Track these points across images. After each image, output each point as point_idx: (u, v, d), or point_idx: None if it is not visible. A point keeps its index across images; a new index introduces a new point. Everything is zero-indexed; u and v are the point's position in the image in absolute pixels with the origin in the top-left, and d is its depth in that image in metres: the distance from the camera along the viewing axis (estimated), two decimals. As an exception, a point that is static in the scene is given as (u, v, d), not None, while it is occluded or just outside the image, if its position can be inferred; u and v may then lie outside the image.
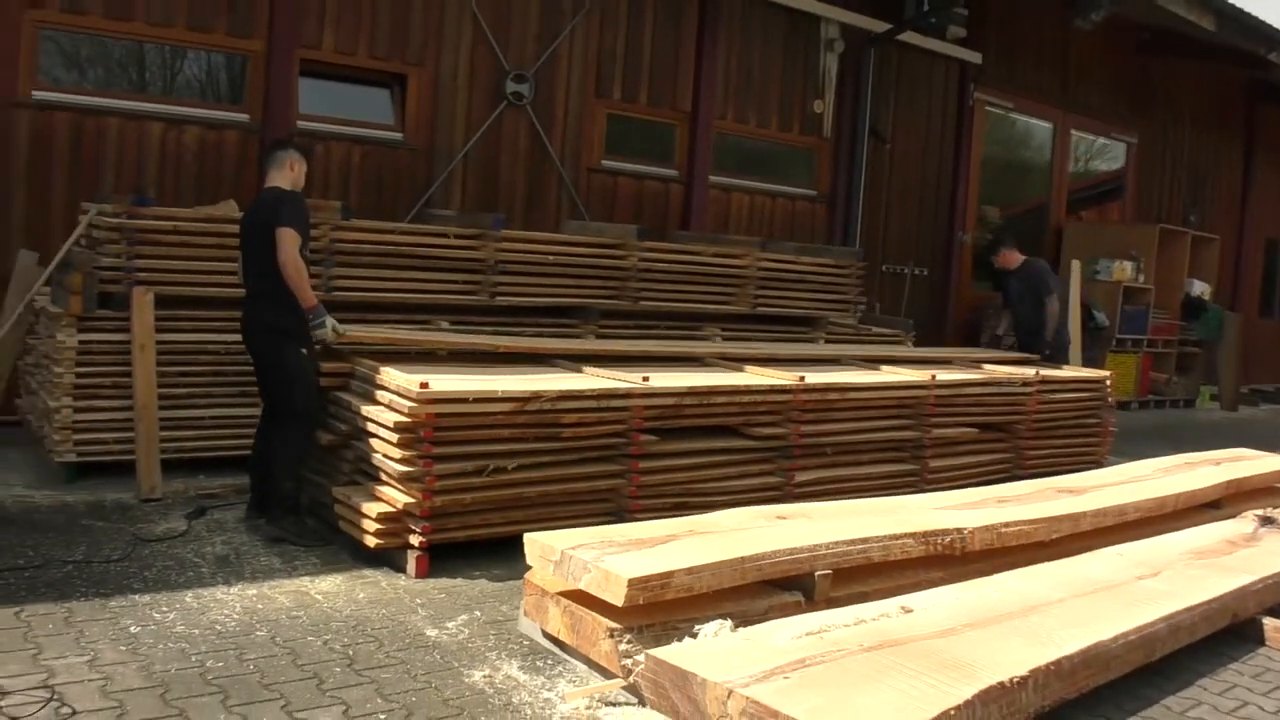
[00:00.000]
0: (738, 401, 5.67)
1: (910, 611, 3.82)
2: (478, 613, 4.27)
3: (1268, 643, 4.88)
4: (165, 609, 4.05)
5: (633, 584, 3.41)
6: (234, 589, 4.34)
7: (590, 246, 7.48)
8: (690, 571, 3.58)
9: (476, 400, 4.65)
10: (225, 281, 5.90)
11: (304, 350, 5.00)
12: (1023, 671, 3.37)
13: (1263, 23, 13.43)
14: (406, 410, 4.52)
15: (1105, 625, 3.93)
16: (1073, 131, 14.67)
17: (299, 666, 3.62)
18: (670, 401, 5.36)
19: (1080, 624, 3.92)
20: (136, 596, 4.15)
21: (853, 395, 6.24)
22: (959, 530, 4.56)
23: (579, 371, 5.57)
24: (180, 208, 6.33)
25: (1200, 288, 14.81)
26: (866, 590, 4.20)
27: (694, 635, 3.46)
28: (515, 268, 7.07)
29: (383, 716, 3.29)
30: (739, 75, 10.60)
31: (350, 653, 3.76)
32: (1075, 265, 12.72)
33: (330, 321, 4.99)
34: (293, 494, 5.04)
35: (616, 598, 3.42)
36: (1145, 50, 14.92)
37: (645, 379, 5.26)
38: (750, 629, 3.50)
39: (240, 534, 5.07)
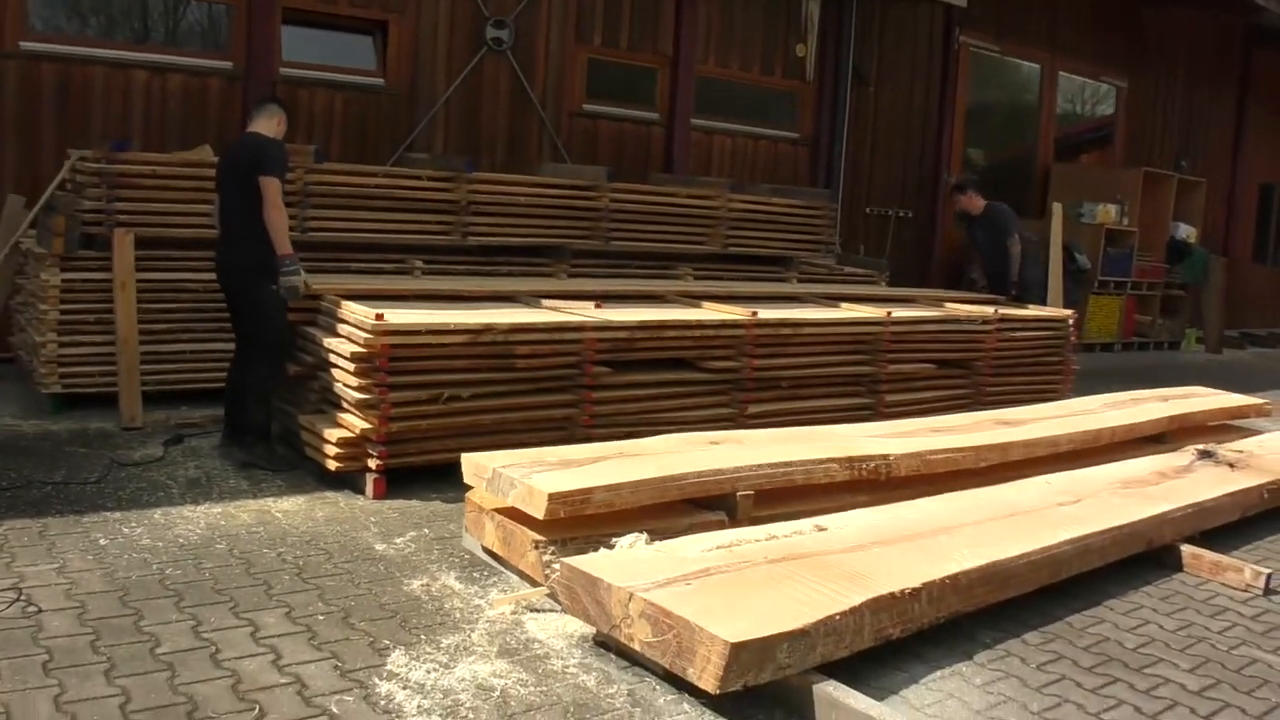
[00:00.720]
0: (691, 335, 5.93)
1: (824, 530, 4.10)
2: (426, 530, 4.57)
3: (1185, 569, 5.11)
4: (134, 525, 4.37)
5: (553, 498, 3.69)
6: (200, 508, 4.65)
7: (562, 188, 7.72)
8: (610, 488, 3.86)
9: (430, 332, 4.92)
10: (202, 223, 6.16)
11: (274, 287, 5.17)
12: (916, 584, 3.64)
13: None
14: (363, 341, 4.80)
15: (1010, 545, 4.19)
16: (1061, 74, 14.72)
17: (251, 575, 3.93)
18: (623, 334, 5.62)
19: (986, 544, 4.17)
20: (108, 514, 4.47)
21: (806, 331, 6.48)
22: (884, 456, 4.83)
23: (538, 307, 5.83)
24: (159, 153, 6.56)
25: (1185, 231, 14.93)
26: (790, 512, 4.46)
27: (611, 547, 3.75)
28: (487, 209, 7.32)
29: (321, 618, 3.60)
30: (721, 20, 10.74)
31: (300, 563, 4.07)
32: (1056, 208, 12.87)
33: (301, 272, 5.20)
34: (263, 423, 5.31)
35: (538, 511, 3.71)
36: (1141, -7, 14.95)
37: (599, 305, 5.50)
38: (664, 542, 3.79)
39: (213, 460, 5.38)
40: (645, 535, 3.79)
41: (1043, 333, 8.36)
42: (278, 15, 8.11)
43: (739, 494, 4.26)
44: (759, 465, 4.39)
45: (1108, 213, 13.62)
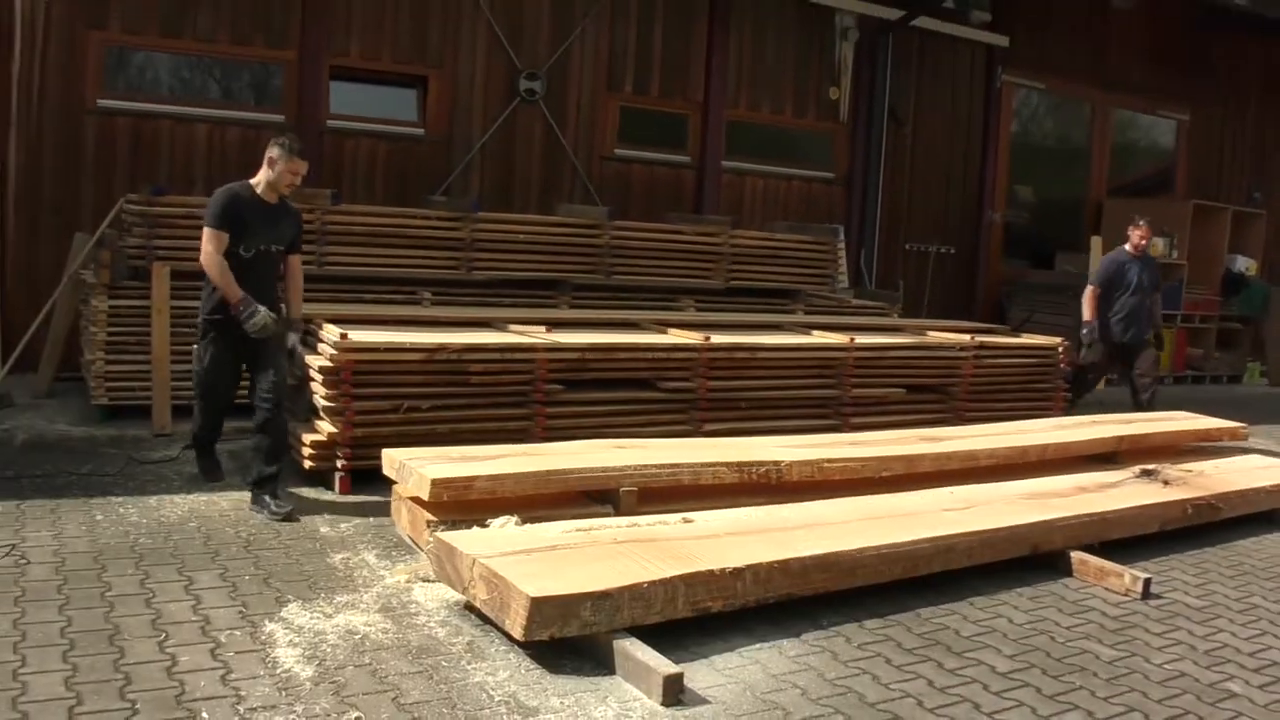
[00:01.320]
0: (643, 358, 6.60)
1: (690, 522, 4.73)
2: (370, 519, 5.36)
3: (1074, 574, 5.52)
4: (130, 507, 5.28)
5: (435, 483, 4.44)
6: (190, 496, 5.55)
7: (564, 226, 8.50)
8: (492, 478, 4.58)
9: (389, 350, 5.72)
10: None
11: (196, 345, 5.52)
12: (739, 564, 4.24)
13: (1303, -3, 13.47)
14: (330, 357, 5.63)
15: (861, 539, 4.74)
16: (1116, 110, 14.94)
17: (207, 546, 4.78)
18: (574, 356, 6.34)
19: (845, 539, 4.72)
20: (112, 498, 5.40)
21: (763, 355, 7.09)
22: (775, 462, 5.43)
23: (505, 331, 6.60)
24: (193, 196, 7.58)
25: (1244, 263, 14.92)
26: (680, 508, 5.10)
27: (485, 527, 4.47)
28: (491, 245, 8.14)
29: (247, 578, 4.42)
30: (752, 66, 11.43)
31: (250, 539, 4.91)
32: (1095, 241, 13.11)
33: (262, 310, 5.22)
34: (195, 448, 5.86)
35: (425, 494, 4.45)
36: (1202, 27, 15.04)
37: (549, 330, 6.24)
38: (535, 525, 4.49)
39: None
40: (516, 518, 4.50)
41: (1028, 360, 8.75)
42: (325, 72, 9.14)
43: (622, 490, 4.93)
44: (646, 465, 5.05)
45: (1155, 246, 13.74)
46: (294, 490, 5.80)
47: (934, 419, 8.11)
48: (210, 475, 5.79)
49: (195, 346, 5.48)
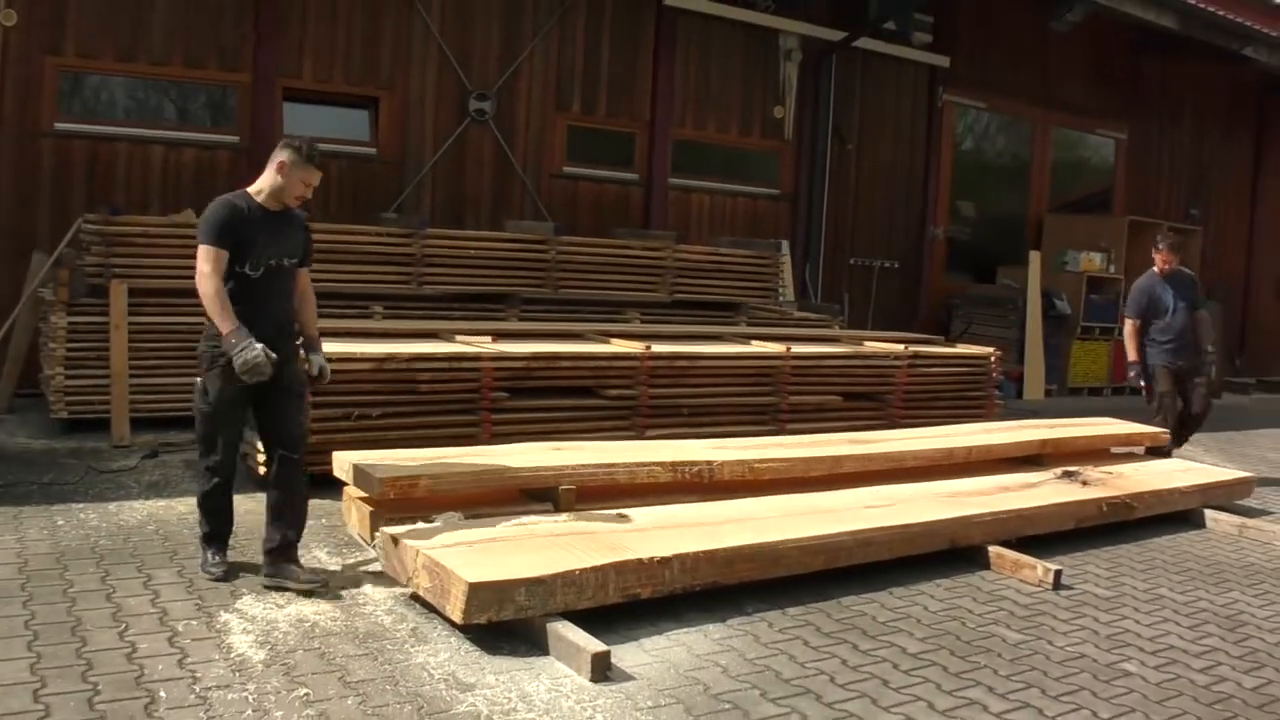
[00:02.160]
0: (585, 366, 6.91)
1: (625, 518, 5.03)
2: (324, 519, 5.61)
3: (991, 566, 5.86)
4: (90, 512, 5.50)
5: (383, 482, 4.71)
6: (149, 502, 5.78)
7: (512, 241, 8.80)
8: (435, 476, 4.86)
9: (339, 359, 5.96)
10: (186, 275, 7.34)
11: (199, 379, 4.66)
12: (666, 554, 4.54)
13: (1229, 20, 14.03)
14: (282, 368, 5.88)
15: (784, 532, 5.04)
16: (1057, 128, 15.45)
17: (165, 546, 5.02)
18: (519, 364, 6.63)
19: (769, 532, 5.03)
20: (73, 504, 5.62)
21: (703, 364, 7.41)
22: (708, 463, 5.74)
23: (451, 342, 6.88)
24: (148, 215, 7.81)
25: (1180, 278, 15.39)
26: (616, 506, 5.39)
27: (430, 523, 4.74)
28: (442, 261, 8.42)
29: (200, 575, 4.65)
30: (698, 86, 11.79)
31: (206, 539, 5.14)
32: (1034, 256, 13.56)
33: (259, 347, 4.38)
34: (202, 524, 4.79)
35: (372, 492, 4.72)
36: (1139, 49, 15.60)
37: (494, 340, 6.52)
38: (477, 520, 4.76)
39: (174, 468, 6.52)
40: (459, 514, 4.77)
41: (961, 369, 9.13)
42: (279, 93, 9.39)
43: (561, 488, 5.22)
44: (583, 465, 5.35)
45: (1091, 261, 14.26)
46: (251, 495, 6.02)
47: (870, 425, 8.45)
48: (228, 576, 4.67)
49: (198, 380, 4.64)
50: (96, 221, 7.23)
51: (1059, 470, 7.17)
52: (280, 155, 4.57)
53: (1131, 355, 8.56)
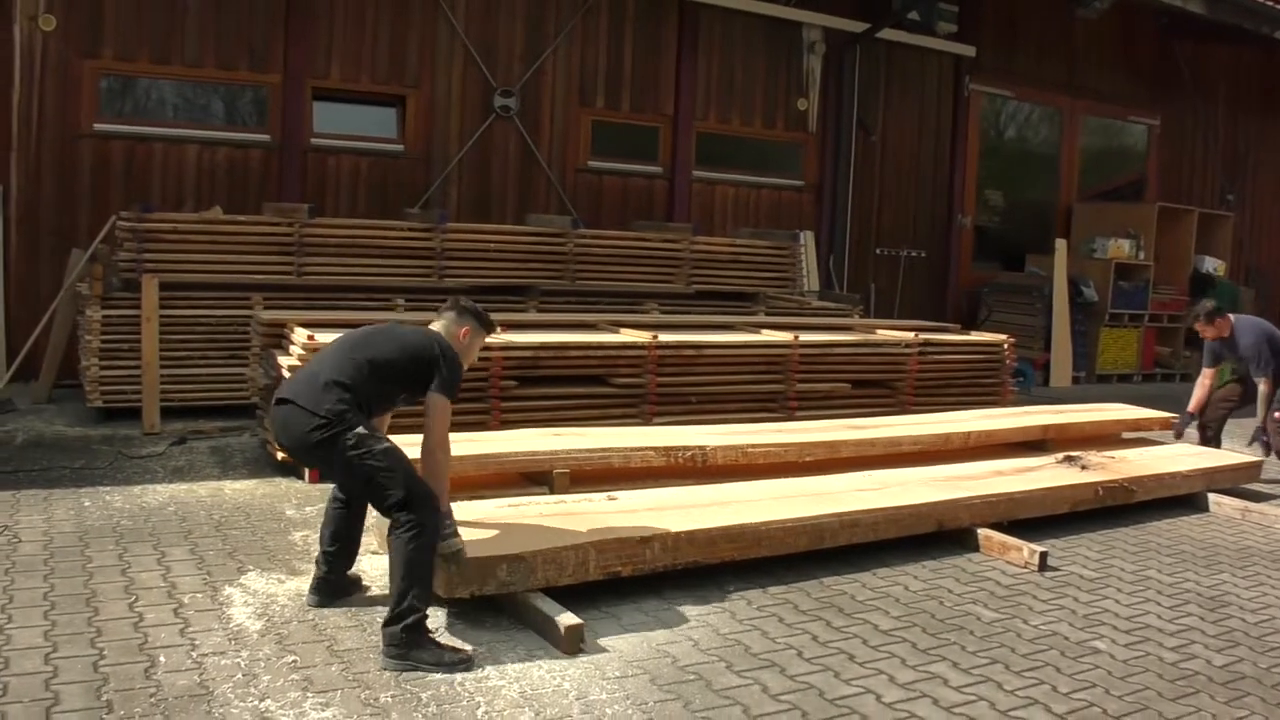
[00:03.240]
0: (593, 355, 7.14)
1: (614, 499, 5.26)
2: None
3: (980, 549, 6.00)
4: (116, 495, 5.84)
5: (380, 466, 4.96)
6: (172, 485, 6.11)
7: (530, 235, 9.06)
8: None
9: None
10: (214, 269, 7.72)
11: (361, 437, 4.02)
12: (648, 534, 4.76)
13: (1258, 3, 13.93)
14: (298, 356, 6.19)
15: (768, 513, 5.24)
16: (1086, 116, 15.43)
17: (182, 526, 5.34)
18: (528, 354, 6.88)
19: (755, 515, 5.20)
20: (100, 487, 5.96)
21: (710, 353, 7.61)
22: (700, 447, 5.95)
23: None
24: (180, 212, 8.16)
25: (1212, 264, 15.36)
26: (612, 490, 5.63)
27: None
28: (462, 254, 8.70)
29: (213, 552, 4.97)
30: (720, 79, 11.97)
31: (221, 520, 5.47)
32: (1060, 244, 13.59)
33: (458, 533, 4.19)
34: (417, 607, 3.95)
35: (371, 476, 4.98)
36: (1170, 34, 15.52)
37: (502, 330, 6.78)
38: (469, 503, 5.00)
39: (199, 454, 6.85)
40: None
41: (974, 356, 9.24)
42: (308, 93, 9.72)
43: (555, 471, 5.47)
44: (578, 449, 5.59)
45: (1120, 248, 14.25)
46: (269, 479, 6.35)
47: (880, 413, 8.55)
48: (457, 659, 3.96)
49: (353, 434, 4.00)
50: (130, 219, 7.59)
51: (1060, 455, 7.27)
52: (465, 323, 4.40)
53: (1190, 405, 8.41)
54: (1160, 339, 14.85)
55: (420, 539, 3.92)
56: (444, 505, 4.10)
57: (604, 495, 5.26)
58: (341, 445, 3.96)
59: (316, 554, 4.52)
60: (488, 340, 5.91)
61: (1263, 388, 7.95)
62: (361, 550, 4.67)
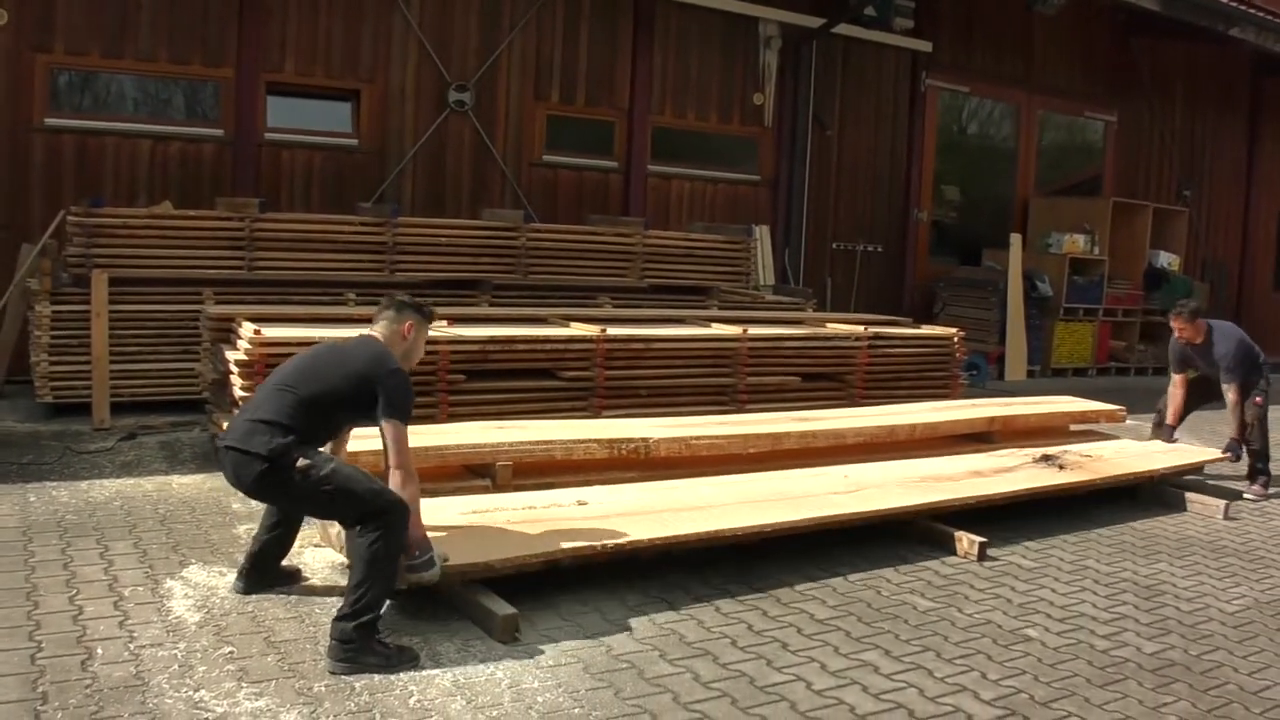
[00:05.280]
0: (541, 349, 7.19)
1: (585, 504, 5.23)
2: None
3: (959, 553, 5.90)
4: (62, 490, 5.86)
5: (324, 459, 5.01)
6: (119, 480, 6.13)
7: (482, 229, 9.10)
8: (375, 451, 5.13)
9: (297, 344, 6.25)
10: (164, 264, 7.72)
11: (310, 467, 4.01)
12: (622, 543, 4.78)
13: (1215, 1, 14.13)
14: (245, 351, 6.21)
15: (746, 521, 5.27)
16: (1042, 112, 15.62)
17: (127, 521, 5.37)
18: (475, 348, 6.92)
19: (729, 522, 5.19)
20: (47, 482, 5.98)
21: (658, 346, 7.67)
22: (644, 439, 6.02)
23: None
24: (130, 207, 8.16)
25: (1167, 259, 15.58)
26: (555, 482, 5.70)
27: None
28: (414, 249, 8.74)
29: (156, 546, 5.01)
30: (676, 74, 12.04)
31: (166, 514, 5.51)
32: (1015, 239, 13.75)
33: (436, 560, 4.18)
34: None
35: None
36: (1127, 31, 15.73)
37: (450, 324, 6.82)
38: (433, 500, 4.96)
39: (147, 449, 6.87)
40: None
41: (925, 350, 9.35)
42: (262, 88, 9.71)
43: (498, 464, 5.52)
44: (521, 442, 5.64)
45: (1075, 242, 14.44)
46: (216, 474, 6.36)
47: (830, 406, 8.65)
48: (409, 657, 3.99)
49: (305, 467, 4.01)
50: (79, 213, 7.59)
51: (1038, 453, 7.27)
52: (406, 318, 4.36)
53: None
54: (1115, 333, 15.06)
55: (384, 542, 3.93)
56: (419, 532, 4.10)
57: (574, 499, 5.28)
58: (291, 478, 3.99)
59: (252, 535, 4.61)
60: (435, 334, 6.01)
61: (1232, 396, 7.87)
62: (304, 543, 4.72)
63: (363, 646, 3.84)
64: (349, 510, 4.00)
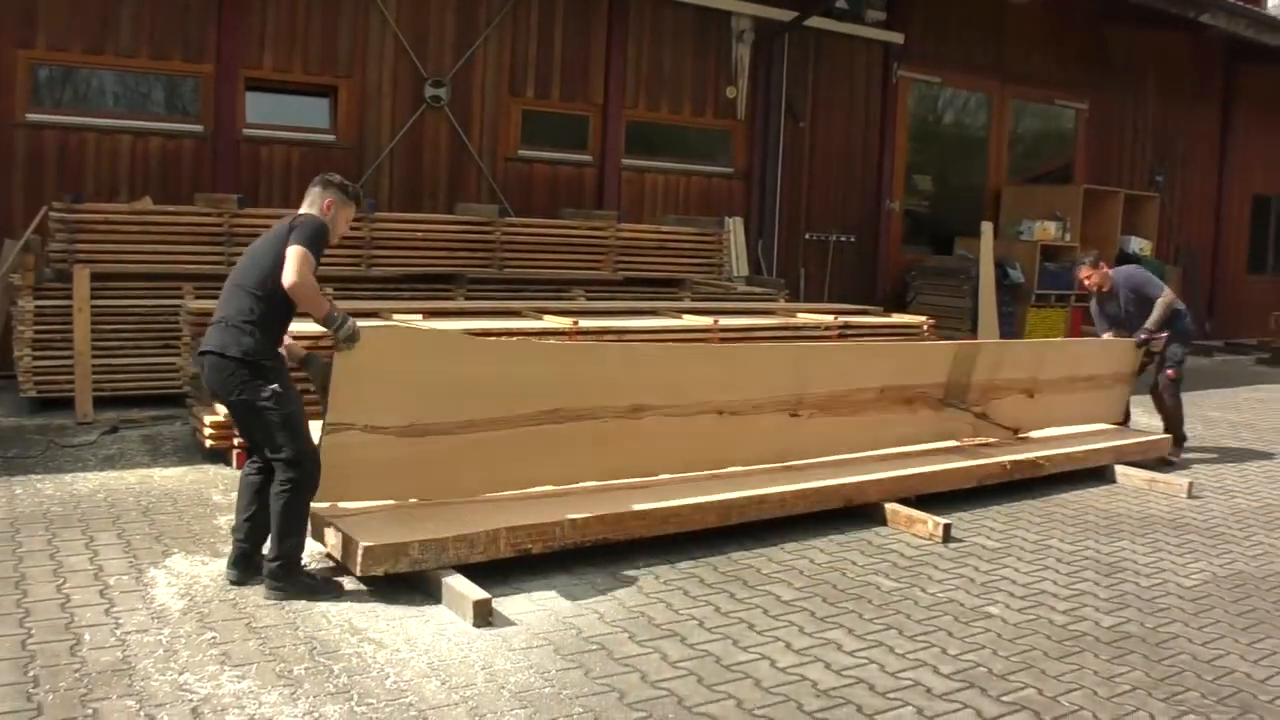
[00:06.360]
0: (514, 343, 7.33)
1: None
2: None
3: (888, 523, 6.27)
4: (47, 482, 6.00)
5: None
6: (103, 473, 6.26)
7: (458, 224, 9.24)
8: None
9: (277, 341, 6.43)
10: (145, 260, 7.85)
11: (269, 388, 4.51)
12: (559, 519, 4.99)
13: (1184, -14, 14.35)
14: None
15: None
16: (1014, 101, 15.82)
17: (110, 512, 5.51)
18: (450, 342, 7.06)
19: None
20: (32, 475, 6.11)
21: (630, 338, 7.81)
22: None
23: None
24: (111, 203, 8.27)
25: (1138, 244, 15.81)
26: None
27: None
28: (391, 243, 8.88)
29: (140, 537, 5.16)
30: (650, 68, 12.18)
31: (149, 506, 5.66)
32: (986, 226, 13.94)
33: (351, 318, 4.74)
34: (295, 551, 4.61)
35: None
36: (1100, 19, 15.92)
37: (426, 317, 6.97)
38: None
39: (130, 442, 7.00)
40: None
41: (894, 337, 9.54)
42: (241, 83, 9.82)
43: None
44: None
45: (1046, 230, 14.66)
46: (197, 466, 6.52)
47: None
48: (329, 588, 4.65)
49: (269, 389, 4.51)
50: (61, 209, 7.70)
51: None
52: (327, 195, 4.73)
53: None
54: (1086, 318, 15.26)
55: (296, 494, 4.54)
56: (327, 307, 4.61)
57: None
58: (260, 392, 4.50)
59: (233, 525, 4.79)
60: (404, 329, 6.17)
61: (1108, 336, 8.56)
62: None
63: (291, 579, 4.52)
64: (281, 442, 4.51)
